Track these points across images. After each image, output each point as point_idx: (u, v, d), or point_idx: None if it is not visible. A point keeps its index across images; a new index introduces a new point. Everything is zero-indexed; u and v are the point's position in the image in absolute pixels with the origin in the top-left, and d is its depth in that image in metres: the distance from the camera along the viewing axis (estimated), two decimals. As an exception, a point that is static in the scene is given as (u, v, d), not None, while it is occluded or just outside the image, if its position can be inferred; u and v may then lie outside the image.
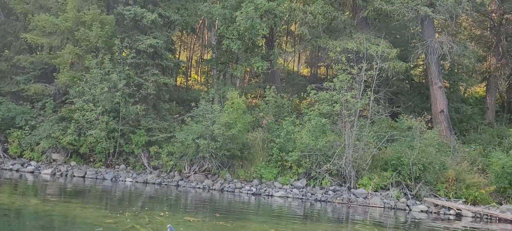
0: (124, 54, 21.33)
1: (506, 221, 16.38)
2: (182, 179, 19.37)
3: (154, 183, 19.02)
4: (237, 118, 19.11)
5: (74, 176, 19.40)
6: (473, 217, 16.83)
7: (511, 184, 17.40)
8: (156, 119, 20.94)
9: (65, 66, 20.78)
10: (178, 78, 32.37)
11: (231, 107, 19.33)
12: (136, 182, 19.12)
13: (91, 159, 20.66)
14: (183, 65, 29.60)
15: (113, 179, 19.24)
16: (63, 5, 21.35)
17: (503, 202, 17.65)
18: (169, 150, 19.58)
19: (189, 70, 35.46)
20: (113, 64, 20.30)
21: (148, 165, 20.22)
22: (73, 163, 20.46)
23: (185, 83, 33.22)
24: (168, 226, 3.20)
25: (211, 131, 18.83)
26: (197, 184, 18.96)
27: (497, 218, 16.60)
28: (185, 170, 19.52)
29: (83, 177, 19.35)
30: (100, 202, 14.59)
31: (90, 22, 20.25)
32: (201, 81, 34.87)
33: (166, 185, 19.00)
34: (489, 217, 16.75)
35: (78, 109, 19.50)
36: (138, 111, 19.86)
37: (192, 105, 20.98)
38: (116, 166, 20.42)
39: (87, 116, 19.24)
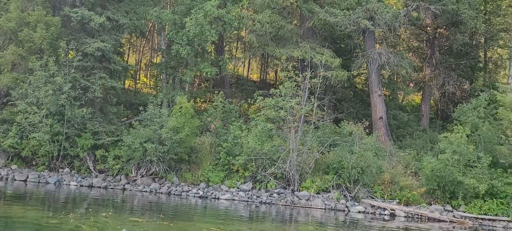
0: (70, 56, 21.03)
1: (434, 219, 17.79)
2: (128, 183, 19.39)
3: (99, 187, 18.91)
4: (185, 122, 19.42)
5: (15, 179, 18.91)
6: (405, 216, 18.12)
7: (440, 186, 18.84)
8: (103, 122, 20.78)
9: (6, 67, 20.19)
10: (126, 81, 32.08)
11: (179, 111, 19.61)
12: (81, 185, 18.93)
13: (34, 163, 20.20)
14: (131, 69, 29.41)
15: (57, 182, 18.93)
16: (6, 4, 20.76)
17: (432, 202, 19.08)
18: (116, 154, 19.53)
19: (138, 73, 35.20)
20: (58, 66, 19.98)
21: (94, 169, 20.04)
22: (14, 166, 19.90)
23: (133, 86, 32.96)
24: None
25: (159, 135, 19.02)
26: (144, 187, 19.06)
27: (427, 217, 17.99)
28: (132, 173, 19.56)
29: (25, 180, 18.90)
30: (43, 204, 14.43)
31: (35, 23, 19.84)
32: (150, 85, 34.70)
33: (112, 188, 18.94)
34: (419, 217, 18.10)
35: (21, 112, 19.03)
36: (84, 114, 19.67)
37: (140, 109, 21.03)
38: (60, 170, 20.08)
39: (30, 118, 18.83)
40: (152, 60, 34.75)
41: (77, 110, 19.61)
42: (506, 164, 19.10)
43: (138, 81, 34.65)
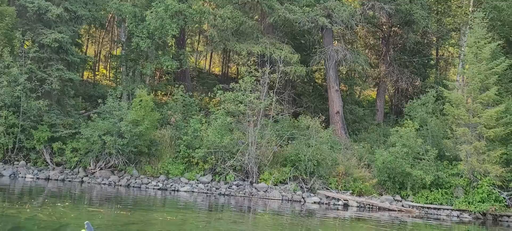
0: (25, 46, 20.59)
1: (384, 209, 18.79)
2: (87, 175, 19.32)
3: (57, 179, 18.75)
4: (145, 115, 19.52)
5: (-33, 172, 18.45)
6: (358, 206, 19.04)
7: (390, 177, 19.87)
8: (60, 114, 20.52)
9: (-42, 57, 19.58)
10: (85, 73, 31.56)
11: (139, 105, 19.67)
12: (38, 178, 18.71)
13: (-13, 155, 19.73)
14: (90, 60, 29.00)
15: (12, 175, 18.62)
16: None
17: (383, 193, 20.11)
18: (73, 146, 19.39)
19: (97, 65, 34.66)
20: (13, 57, 19.56)
21: (51, 161, 19.81)
22: (-34, 159, 19.40)
23: (92, 78, 32.47)
24: (85, 222, 3.51)
25: (118, 128, 19.03)
26: (103, 180, 19.05)
27: (377, 207, 18.96)
28: (90, 166, 19.49)
29: (-22, 174, 18.48)
30: (-2, 197, 14.26)
31: (-11, 13, 19.34)
32: (109, 77, 34.25)
33: (69, 181, 18.83)
34: (371, 206, 19.06)
35: (-26, 103, 18.56)
36: (40, 106, 19.36)
37: (99, 101, 20.90)
38: (16, 162, 19.73)
39: (-16, 110, 18.41)
40: (111, 52, 34.27)
41: (33, 103, 19.29)
42: (451, 157, 20.34)
43: (97, 73, 34.14)
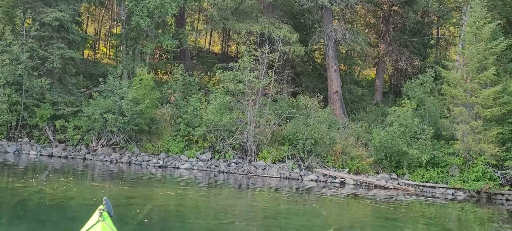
0: (26, 25, 20.71)
1: (380, 187, 19.19)
2: (89, 153, 19.68)
3: (60, 156, 19.12)
4: (146, 94, 19.76)
5: (-29, 149, 18.81)
6: (354, 184, 19.43)
7: (387, 156, 20.20)
8: (62, 92, 20.77)
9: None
10: (85, 51, 31.69)
11: (140, 83, 19.89)
12: (41, 155, 19.08)
13: (-9, 132, 20.06)
14: (90, 39, 29.10)
15: (16, 152, 18.98)
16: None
17: (379, 171, 20.47)
18: (75, 124, 19.69)
19: (97, 43, 34.74)
20: (15, 36, 19.71)
21: (54, 139, 20.15)
22: (-30, 136, 19.73)
23: (93, 56, 32.61)
24: (104, 198, 3.65)
25: (119, 106, 19.30)
26: (105, 157, 19.42)
27: (374, 185, 19.35)
28: (92, 143, 19.83)
29: (-18, 150, 18.84)
30: (4, 171, 14.62)
31: (-11, -9, 19.41)
32: (110, 55, 34.39)
33: (72, 158, 19.21)
34: (367, 184, 19.45)
35: (-23, 81, 18.80)
36: (42, 85, 19.60)
37: (101, 80, 21.13)
38: (19, 139, 20.07)
39: (-14, 88, 18.65)
40: (111, 30, 34.32)
41: (35, 81, 19.52)
42: (448, 136, 20.63)
43: (97, 51, 34.26)
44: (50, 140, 20.16)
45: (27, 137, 20.24)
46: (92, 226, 3.53)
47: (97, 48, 34.46)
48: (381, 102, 29.11)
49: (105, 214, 3.77)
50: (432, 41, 34.43)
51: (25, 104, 19.66)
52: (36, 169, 16.20)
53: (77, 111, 20.11)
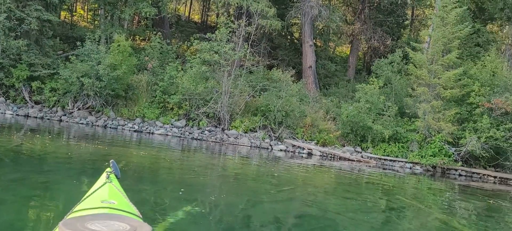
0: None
1: (345, 159, 20.34)
2: (65, 115, 20.12)
3: (36, 117, 19.52)
4: (123, 60, 20.18)
5: None
6: (321, 155, 20.53)
7: (353, 130, 21.33)
8: (39, 54, 20.96)
9: None
10: (62, 13, 31.47)
11: (117, 49, 20.27)
12: (17, 115, 19.43)
13: (-34, 91, 20.22)
14: (68, 2, 28.93)
15: (-8, 111, 19.28)
16: None
17: (345, 144, 21.62)
18: (52, 86, 20.03)
19: (74, 5, 34.44)
20: (-9, -5, 19.68)
21: (30, 100, 20.47)
22: None
23: (70, 18, 32.42)
24: (111, 161, 3.81)
25: (96, 71, 19.69)
26: (81, 119, 19.91)
27: (339, 157, 20.49)
28: (68, 106, 20.25)
29: (-42, 108, 19.05)
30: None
31: None
32: (87, 18, 34.21)
33: (48, 119, 19.63)
34: (333, 156, 20.58)
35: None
36: (19, 46, 19.77)
37: (78, 44, 21.37)
38: (-5, 99, 20.33)
39: (-38, 46, 18.74)
40: (90, -7, 33.99)
41: (13, 42, 19.67)
42: (411, 114, 21.86)
43: (74, 13, 34.01)
44: (26, 100, 20.47)
45: (3, 97, 20.48)
46: (99, 187, 3.50)
47: (74, 10, 34.19)
48: (353, 79, 30.14)
49: (112, 176, 3.78)
50: (407, 22, 35.47)
51: (2, 64, 19.83)
52: (13, 128, 16.61)
53: (53, 74, 20.40)
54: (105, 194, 3.29)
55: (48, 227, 4.79)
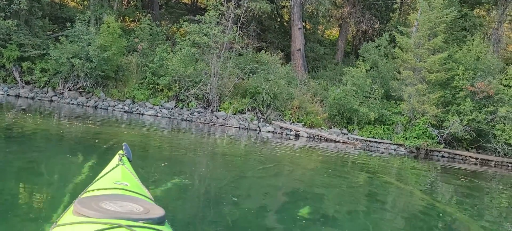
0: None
1: (331, 140, 20.84)
2: (56, 95, 20.28)
3: (27, 97, 19.68)
4: (113, 41, 20.31)
5: None
6: (307, 137, 21.00)
7: (339, 112, 21.80)
8: (29, 35, 21.01)
9: None
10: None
11: (107, 31, 20.38)
12: (8, 95, 19.57)
13: (-44, 71, 20.25)
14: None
15: (-18, 91, 19.37)
16: None
17: (332, 126, 22.11)
18: (42, 67, 20.14)
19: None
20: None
21: (20, 80, 20.58)
22: None
23: (59, -1, 32.18)
24: (123, 144, 4.04)
25: (86, 52, 19.83)
26: (71, 100, 20.10)
27: (325, 138, 20.99)
28: (59, 86, 20.41)
29: None
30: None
31: None
32: (77, -1, 33.97)
33: (39, 99, 19.79)
34: (319, 138, 21.07)
35: None
36: (9, 26, 19.80)
37: (68, 25, 21.41)
38: (-15, 79, 20.40)
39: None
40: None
41: (2, 22, 19.68)
42: (396, 97, 22.38)
43: (64, -6, 33.75)
44: (17, 81, 20.57)
45: (-7, 77, 20.56)
46: (112, 169, 3.51)
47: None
48: (342, 62, 30.52)
49: (125, 158, 3.81)
50: (396, 5, 35.78)
51: (-9, 44, 19.88)
52: (4, 107, 16.79)
53: (44, 55, 20.49)
54: (118, 175, 3.34)
55: (42, 201, 5.12)
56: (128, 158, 3.88)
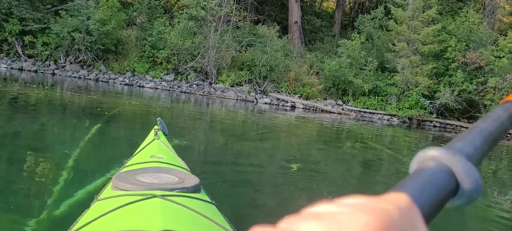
0: None
1: (327, 111, 21.45)
2: (57, 68, 20.78)
3: (30, 70, 20.18)
4: (112, 15, 20.69)
5: None
6: (303, 108, 21.59)
7: (335, 84, 22.35)
8: (29, 9, 21.34)
9: None
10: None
11: (106, 5, 20.74)
12: (12, 68, 20.07)
13: (-41, 45, 20.69)
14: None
15: (-14, 65, 19.86)
16: None
17: (327, 97, 22.68)
18: (44, 40, 20.57)
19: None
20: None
21: (23, 53, 21.03)
22: None
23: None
24: (158, 119, 4.09)
25: (86, 26, 20.23)
26: (73, 73, 20.61)
27: (321, 109, 21.59)
28: (60, 60, 20.88)
29: (-48, 62, 19.59)
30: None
31: None
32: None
33: (42, 73, 20.30)
34: (315, 109, 21.67)
35: None
36: (10, 0, 20.14)
37: (67, -1, 21.74)
38: (-12, 53, 20.86)
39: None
40: None
41: (3, -4, 20.04)
42: (390, 68, 22.89)
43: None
44: (19, 54, 21.03)
45: (-4, 51, 21.03)
46: (148, 143, 3.58)
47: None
48: (339, 35, 30.86)
49: (160, 133, 3.91)
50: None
51: (-7, 19, 20.26)
52: (9, 79, 17.32)
53: (45, 28, 20.88)
54: (154, 149, 3.44)
55: (48, 168, 5.71)
56: (163, 132, 3.99)
